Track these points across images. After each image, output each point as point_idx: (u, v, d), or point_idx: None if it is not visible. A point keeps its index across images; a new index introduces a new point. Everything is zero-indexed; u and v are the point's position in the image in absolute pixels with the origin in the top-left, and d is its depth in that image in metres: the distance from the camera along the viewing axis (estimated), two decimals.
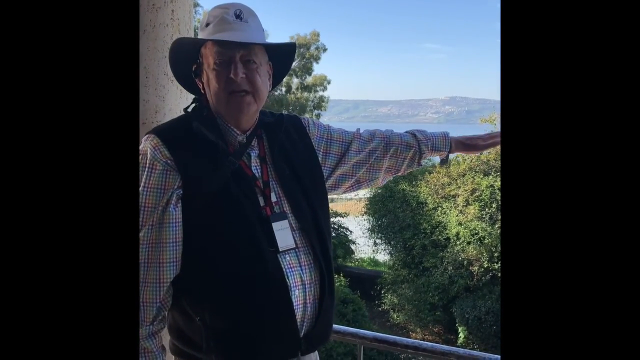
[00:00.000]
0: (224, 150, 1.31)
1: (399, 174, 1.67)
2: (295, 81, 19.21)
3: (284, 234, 1.31)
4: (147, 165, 1.26)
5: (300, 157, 1.43)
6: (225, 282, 1.27)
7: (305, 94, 19.45)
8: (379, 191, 12.70)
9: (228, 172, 1.29)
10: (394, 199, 12.08)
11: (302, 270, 1.32)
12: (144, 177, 1.25)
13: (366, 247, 14.27)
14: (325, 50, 19.73)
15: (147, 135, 1.30)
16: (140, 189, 1.25)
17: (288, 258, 1.31)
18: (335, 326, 2.02)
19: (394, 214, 11.88)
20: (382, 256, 13.84)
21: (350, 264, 14.79)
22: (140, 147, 1.29)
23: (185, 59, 1.37)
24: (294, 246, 1.33)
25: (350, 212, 17.19)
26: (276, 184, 1.37)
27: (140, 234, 1.25)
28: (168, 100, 1.66)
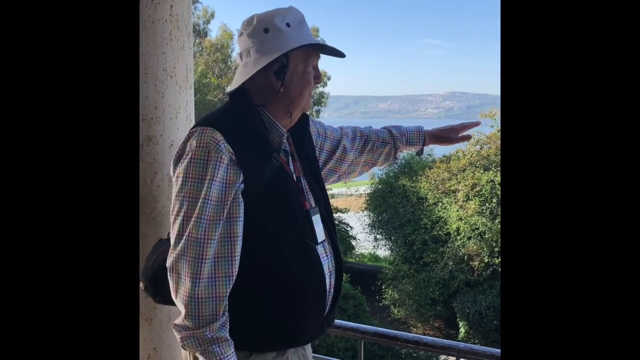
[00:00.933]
0: (271, 147, 1.35)
1: (377, 166, 1.78)
2: None
3: (319, 226, 1.42)
4: (213, 158, 1.24)
5: (310, 153, 1.53)
6: (275, 273, 1.33)
7: None
8: (380, 187, 12.72)
9: (274, 168, 1.34)
10: (395, 194, 12.09)
11: (328, 259, 1.43)
12: (210, 170, 1.23)
13: (367, 242, 14.30)
14: None
15: (202, 128, 1.28)
16: (205, 182, 1.23)
17: (320, 248, 1.41)
18: (336, 321, 2.03)
19: (395, 210, 11.89)
20: (383, 252, 13.87)
21: (351, 260, 14.82)
22: (194, 139, 1.27)
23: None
24: (324, 238, 1.43)
25: (351, 207, 17.22)
26: (304, 179, 1.46)
27: (210, 229, 1.23)
28: (167, 95, 1.65)
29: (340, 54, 1.43)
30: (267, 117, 1.38)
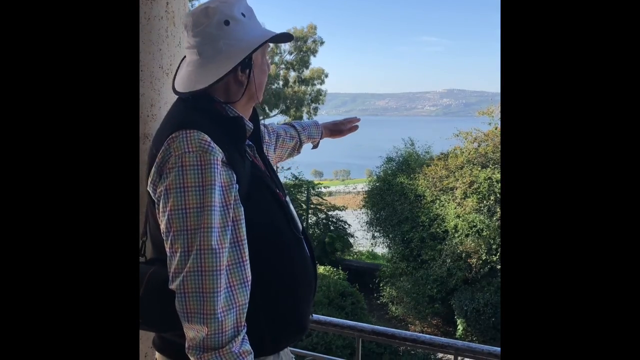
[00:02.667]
0: (244, 143, 1.32)
1: (281, 161, 1.86)
2: (292, 75, 19.18)
3: (296, 217, 1.42)
4: (211, 162, 1.16)
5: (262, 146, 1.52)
6: (283, 269, 1.33)
7: (303, 88, 19.42)
8: (377, 184, 12.71)
9: (249, 164, 1.30)
10: (392, 192, 12.09)
11: (306, 248, 1.43)
12: (208, 174, 1.15)
13: (364, 240, 14.30)
14: (322, 43, 19.69)
15: (185, 131, 1.18)
16: (206, 189, 1.15)
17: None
18: (334, 319, 2.04)
19: (392, 207, 11.89)
20: (381, 249, 13.87)
21: (348, 257, 14.82)
22: (181, 144, 1.17)
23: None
24: (301, 228, 1.43)
25: (349, 205, 17.23)
26: (268, 171, 1.44)
27: (221, 238, 1.16)
28: (164, 93, 1.64)
29: (289, 38, 1.42)
30: (234, 113, 1.33)
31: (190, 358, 1.16)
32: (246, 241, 1.21)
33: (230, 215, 1.18)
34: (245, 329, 1.19)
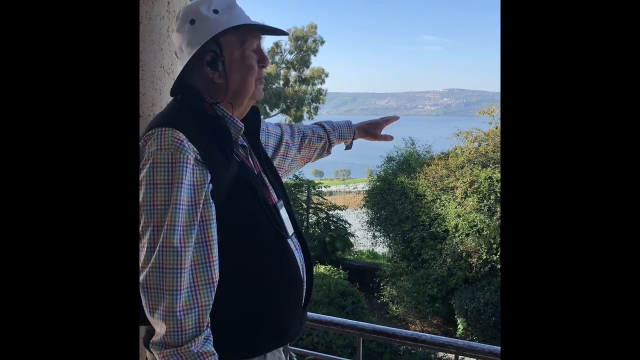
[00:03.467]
0: (233, 142, 1.29)
1: (312, 161, 1.80)
2: (293, 74, 19.18)
3: (287, 219, 1.38)
4: (180, 160, 1.16)
5: (263, 148, 1.50)
6: (252, 270, 1.28)
7: (303, 87, 19.41)
8: (378, 184, 12.72)
9: (237, 164, 1.28)
10: (393, 191, 12.09)
11: (298, 252, 1.39)
12: (177, 173, 1.15)
13: (365, 239, 14.30)
14: (322, 42, 19.68)
15: (160, 129, 1.19)
16: (174, 186, 1.15)
17: (291, 242, 1.37)
18: (334, 318, 2.03)
19: (393, 207, 11.89)
20: (381, 248, 13.87)
21: (349, 257, 14.83)
22: (155, 141, 1.18)
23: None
24: (293, 231, 1.39)
25: (349, 205, 17.23)
26: (263, 174, 1.41)
27: (185, 236, 1.15)
28: (164, 92, 1.64)
29: (279, 32, 1.36)
30: (222, 112, 1.30)
31: (153, 352, 1.18)
32: (216, 242, 1.20)
33: (198, 214, 1.17)
34: (208, 330, 1.18)
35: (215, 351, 1.18)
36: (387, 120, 1.83)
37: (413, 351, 8.16)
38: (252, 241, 1.28)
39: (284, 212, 1.38)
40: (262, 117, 1.59)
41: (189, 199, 1.16)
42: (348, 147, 1.82)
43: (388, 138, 1.85)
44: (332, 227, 15.42)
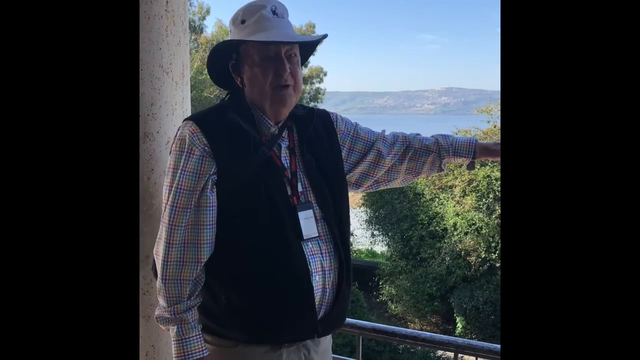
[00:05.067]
0: (257, 140, 1.37)
1: (422, 176, 1.69)
2: None
3: (308, 222, 1.40)
4: (186, 150, 1.32)
5: (326, 151, 1.50)
6: (252, 264, 1.35)
7: (302, 86, 19.39)
8: None
9: (259, 161, 1.35)
10: (391, 190, 12.08)
11: (322, 257, 1.40)
12: (182, 160, 1.32)
13: (364, 238, 14.30)
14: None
15: (184, 122, 1.37)
16: (178, 172, 1.32)
17: (311, 245, 1.39)
18: None
19: (392, 206, 11.89)
20: (380, 247, 13.87)
21: None
22: (177, 133, 1.36)
23: (223, 57, 1.44)
24: (317, 235, 1.40)
25: None
26: (303, 175, 1.44)
27: (178, 216, 1.31)
28: (163, 92, 1.64)
29: (280, 41, 1.36)
30: (256, 112, 1.41)
31: None
32: (209, 227, 1.33)
33: (194, 199, 1.32)
34: (190, 301, 1.34)
35: (192, 321, 1.34)
36: None
37: (412, 350, 8.17)
38: (252, 236, 1.34)
39: (305, 215, 1.39)
40: (348, 119, 1.62)
41: (189, 184, 1.31)
42: (469, 167, 1.67)
43: None
44: None
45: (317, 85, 19.79)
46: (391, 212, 11.87)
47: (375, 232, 12.80)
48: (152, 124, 1.61)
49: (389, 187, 1.72)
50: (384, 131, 1.66)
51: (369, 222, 12.83)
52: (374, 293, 12.10)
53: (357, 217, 14.32)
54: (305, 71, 19.47)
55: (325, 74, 19.93)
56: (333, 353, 1.69)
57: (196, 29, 17.51)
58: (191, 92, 1.90)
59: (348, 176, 1.60)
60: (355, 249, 15.88)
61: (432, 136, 1.66)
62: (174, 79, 1.67)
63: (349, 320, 2.02)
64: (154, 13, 1.60)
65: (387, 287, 11.79)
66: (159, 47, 1.61)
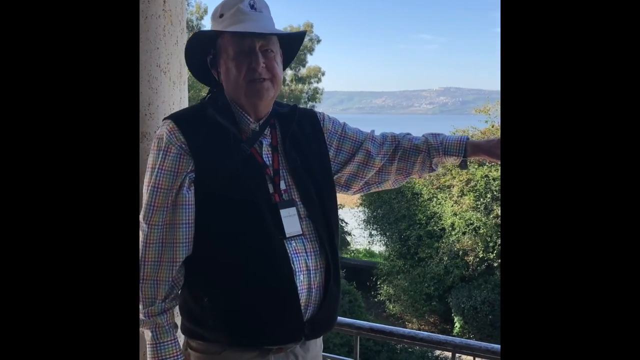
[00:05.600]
0: (237, 137, 1.35)
1: (413, 177, 1.63)
2: (289, 73, 19.15)
3: (291, 220, 1.36)
4: (163, 148, 1.30)
5: (311, 149, 1.46)
6: (233, 264, 1.32)
7: (300, 86, 19.39)
8: None
9: (239, 159, 1.33)
10: (389, 190, 12.08)
11: (307, 256, 1.36)
12: (159, 159, 1.31)
13: (362, 238, 14.31)
14: (319, 41, 19.65)
15: (163, 121, 1.36)
16: (155, 170, 1.31)
17: (294, 244, 1.35)
18: None
19: (389, 205, 11.90)
20: (378, 247, 13.88)
21: (346, 255, 14.82)
22: (157, 132, 1.36)
23: (201, 51, 1.42)
24: (301, 233, 1.37)
25: (346, 203, 17.22)
26: (286, 172, 1.41)
27: (155, 215, 1.30)
28: (161, 91, 1.64)
29: (252, 33, 1.33)
30: (235, 108, 1.39)
31: None
32: (185, 225, 1.31)
33: (171, 198, 1.30)
34: (164, 304, 1.31)
35: (166, 325, 1.31)
36: None
37: (410, 349, 8.18)
38: (230, 234, 1.31)
39: (287, 212, 1.35)
40: (336, 118, 1.59)
41: (165, 183, 1.30)
42: (461, 167, 1.62)
43: None
44: None
45: (314, 84, 19.79)
46: (389, 211, 11.88)
47: (373, 232, 12.81)
48: (149, 124, 1.61)
49: (380, 189, 1.66)
50: (373, 131, 1.62)
51: (367, 221, 12.84)
52: (372, 293, 12.11)
53: (355, 216, 14.33)
54: (303, 71, 19.48)
55: (323, 74, 19.94)
56: (331, 353, 1.67)
57: (194, 29, 17.49)
58: (189, 91, 1.89)
59: (337, 177, 1.56)
60: (353, 248, 15.91)
61: (422, 135, 1.61)
62: (171, 78, 1.67)
63: (346, 319, 2.02)
64: (151, 12, 1.59)
65: (385, 287, 11.80)
66: (157, 47, 1.61)
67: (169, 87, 1.67)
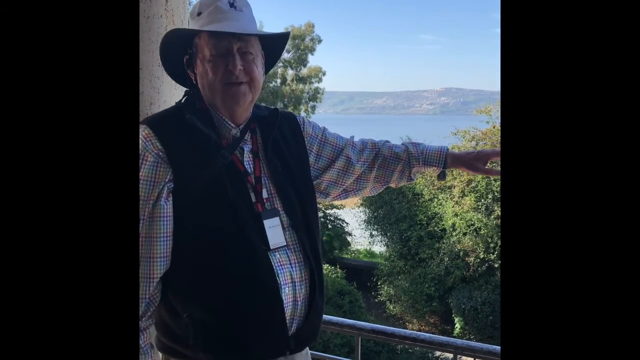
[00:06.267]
0: (217, 144, 1.27)
1: (391, 185, 1.62)
2: (290, 73, 19.16)
3: (275, 231, 1.29)
4: (139, 156, 1.21)
5: (292, 154, 1.40)
6: (214, 278, 1.24)
7: (301, 86, 19.39)
8: None
9: (219, 166, 1.25)
10: (390, 190, 12.09)
11: (292, 268, 1.30)
12: None
13: (362, 238, 14.31)
14: (320, 41, 19.66)
15: (140, 126, 1.25)
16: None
17: (278, 256, 1.29)
18: (333, 318, 2.03)
19: (390, 206, 11.90)
20: (379, 248, 13.88)
21: (346, 256, 14.83)
22: None
23: (177, 50, 1.33)
24: (285, 244, 1.30)
25: (346, 204, 17.23)
26: (268, 180, 1.34)
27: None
28: (163, 91, 1.64)
29: (231, 32, 1.25)
30: (215, 113, 1.31)
31: None
32: (162, 239, 1.22)
33: (147, 209, 1.21)
34: (142, 323, 1.24)
35: (142, 346, 1.24)
36: (496, 154, 1.54)
37: (410, 350, 8.18)
38: (210, 247, 1.24)
39: (271, 223, 1.29)
40: (316, 123, 1.53)
41: (142, 193, 1.21)
42: (440, 178, 1.60)
43: (493, 173, 1.57)
44: (330, 226, 15.41)
45: (315, 85, 19.78)
46: (390, 212, 11.88)
47: (374, 232, 12.81)
48: None
49: (358, 196, 1.63)
50: (352, 137, 1.58)
51: (368, 222, 12.84)
52: (373, 293, 12.12)
53: (356, 217, 14.34)
54: (304, 71, 19.48)
55: (324, 74, 19.93)
56: (331, 353, 1.66)
57: None
58: None
59: (316, 183, 1.50)
60: (353, 249, 15.91)
61: (403, 144, 1.59)
62: None
63: (348, 321, 2.02)
64: (153, 12, 1.60)
65: (385, 288, 11.80)
66: (158, 47, 1.61)
67: (171, 87, 1.67)
